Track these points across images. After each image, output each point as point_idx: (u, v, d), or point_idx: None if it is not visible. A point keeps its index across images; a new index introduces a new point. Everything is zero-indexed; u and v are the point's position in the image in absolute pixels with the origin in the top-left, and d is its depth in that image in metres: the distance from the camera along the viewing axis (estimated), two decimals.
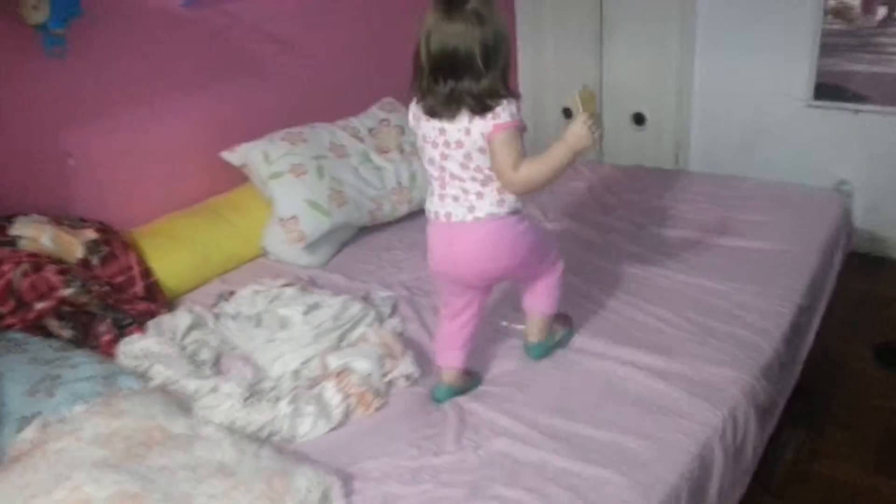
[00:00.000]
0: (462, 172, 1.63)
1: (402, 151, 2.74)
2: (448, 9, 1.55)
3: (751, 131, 3.46)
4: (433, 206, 1.71)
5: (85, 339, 2.09)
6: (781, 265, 2.21)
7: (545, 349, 1.89)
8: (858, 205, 3.26)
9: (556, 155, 1.59)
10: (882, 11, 3.03)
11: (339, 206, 2.51)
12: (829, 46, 3.17)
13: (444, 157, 1.64)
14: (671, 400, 1.69)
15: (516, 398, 1.74)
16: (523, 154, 1.60)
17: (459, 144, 1.60)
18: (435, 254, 1.75)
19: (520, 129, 1.61)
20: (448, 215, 1.68)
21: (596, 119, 1.57)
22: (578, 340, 1.94)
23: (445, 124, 1.61)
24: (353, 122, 2.78)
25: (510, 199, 1.66)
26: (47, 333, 1.99)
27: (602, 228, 2.53)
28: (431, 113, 1.62)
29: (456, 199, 1.66)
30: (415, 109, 1.68)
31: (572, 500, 1.42)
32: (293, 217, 2.44)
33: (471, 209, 1.65)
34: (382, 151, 2.72)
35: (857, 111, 3.17)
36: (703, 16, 3.42)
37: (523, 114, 1.63)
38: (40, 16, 1.99)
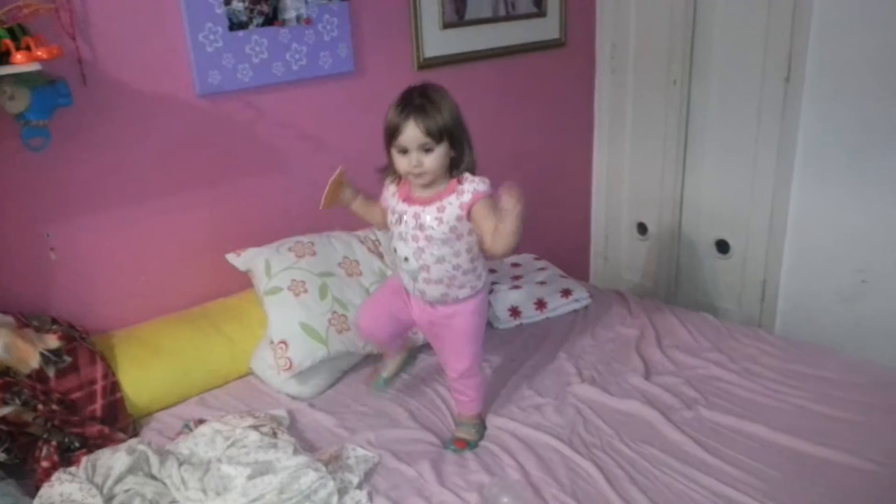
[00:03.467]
0: None
1: None
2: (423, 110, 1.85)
3: (853, 278, 2.91)
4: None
5: (24, 463, 1.88)
6: (867, 491, 1.68)
7: None
8: None
9: None
10: None
11: (340, 332, 2.19)
12: None
13: None
14: None
15: None
16: None
17: None
18: None
19: None
20: None
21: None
22: None
23: None
24: (378, 232, 2.48)
25: None
26: None
27: (639, 397, 2.07)
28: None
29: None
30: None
31: None
32: (283, 342, 2.13)
33: None
34: None
35: None
36: (805, 138, 2.93)
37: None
38: (17, 105, 1.83)
